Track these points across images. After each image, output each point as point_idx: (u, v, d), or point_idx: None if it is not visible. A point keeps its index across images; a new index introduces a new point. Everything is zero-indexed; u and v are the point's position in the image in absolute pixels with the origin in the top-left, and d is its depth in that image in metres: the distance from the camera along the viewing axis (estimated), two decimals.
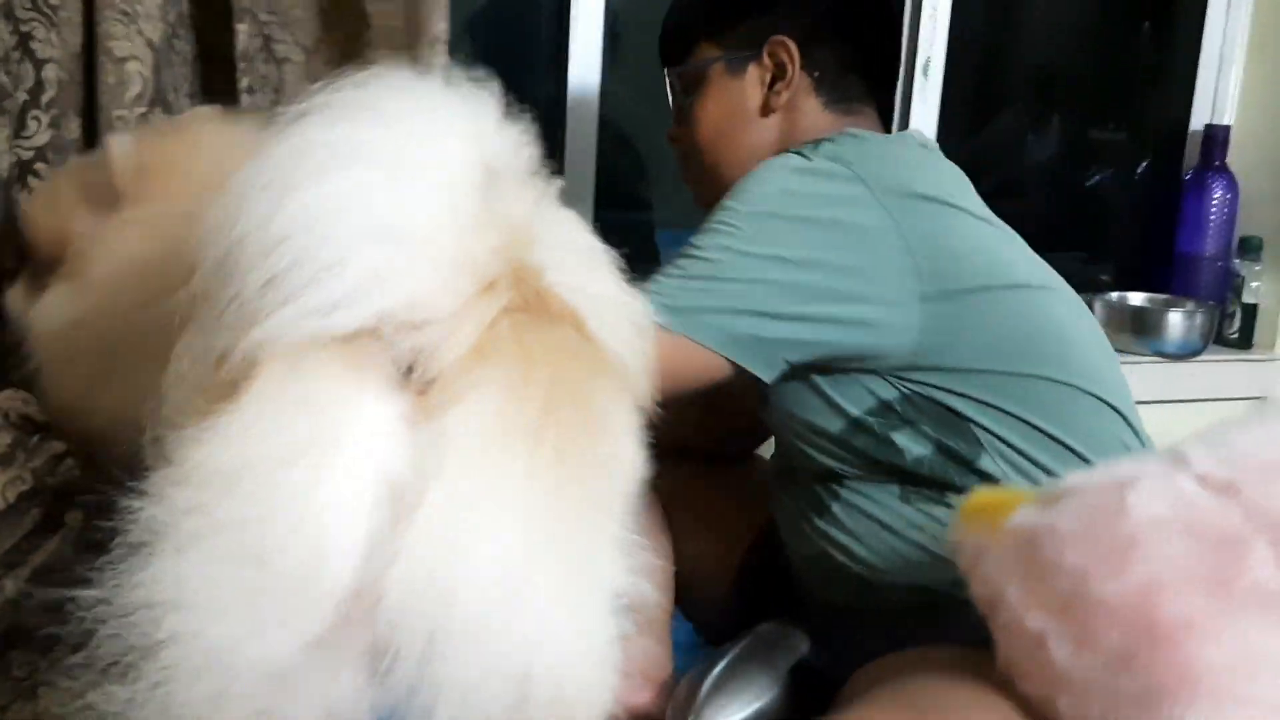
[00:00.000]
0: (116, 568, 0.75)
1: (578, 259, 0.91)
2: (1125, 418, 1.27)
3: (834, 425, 1.22)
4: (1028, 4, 2.42)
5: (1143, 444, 1.29)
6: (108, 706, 0.75)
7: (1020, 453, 1.20)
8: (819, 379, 1.20)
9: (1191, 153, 2.37)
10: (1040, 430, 1.20)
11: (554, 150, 1.91)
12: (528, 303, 0.83)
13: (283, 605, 0.75)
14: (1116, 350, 2.20)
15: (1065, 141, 2.49)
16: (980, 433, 1.19)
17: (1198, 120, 2.38)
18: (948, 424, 1.19)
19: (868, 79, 1.37)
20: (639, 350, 0.92)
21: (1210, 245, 2.32)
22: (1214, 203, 2.31)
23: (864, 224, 1.16)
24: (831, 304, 1.15)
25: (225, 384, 0.78)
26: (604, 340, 0.88)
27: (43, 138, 1.47)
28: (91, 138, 1.49)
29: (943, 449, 1.20)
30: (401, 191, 0.81)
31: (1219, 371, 2.28)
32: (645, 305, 0.96)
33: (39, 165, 1.47)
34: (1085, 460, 1.21)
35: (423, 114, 0.85)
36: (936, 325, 1.17)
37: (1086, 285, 2.35)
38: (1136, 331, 2.23)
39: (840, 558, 1.25)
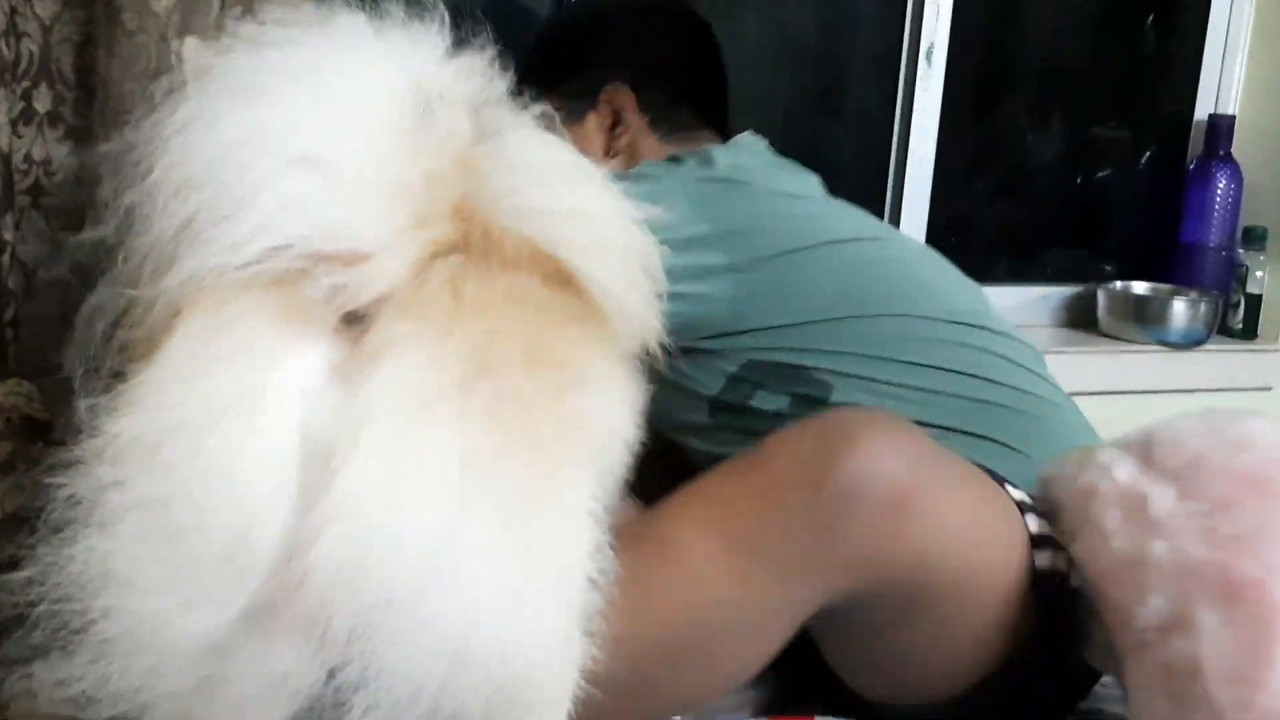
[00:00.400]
0: (49, 544, 0.73)
1: (555, 180, 0.85)
2: (986, 329, 1.39)
3: (701, 414, 1.33)
4: None
5: (1015, 359, 1.40)
6: (50, 677, 0.74)
7: (871, 379, 1.30)
8: (673, 376, 1.21)
9: (1196, 143, 2.36)
10: (888, 359, 1.31)
11: None
12: (470, 241, 0.78)
13: (210, 579, 0.73)
14: (1121, 339, 2.22)
15: (1069, 132, 2.48)
16: (824, 375, 1.29)
17: (1202, 110, 2.37)
18: (790, 376, 1.30)
19: (699, 108, 1.52)
20: (633, 277, 0.87)
21: (1214, 235, 2.31)
22: (1218, 193, 2.30)
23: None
24: None
25: (144, 341, 0.75)
26: (583, 275, 0.82)
27: None
28: None
29: (796, 398, 1.29)
30: (322, 118, 0.76)
31: (1222, 361, 2.28)
32: (644, 227, 0.92)
33: None
34: (946, 371, 1.32)
35: (349, 44, 0.81)
36: (751, 291, 1.29)
37: (1091, 275, 2.36)
38: (1140, 320, 2.23)
39: None
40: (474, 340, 0.75)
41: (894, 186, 2.20)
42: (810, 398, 1.29)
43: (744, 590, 1.04)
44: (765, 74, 2.22)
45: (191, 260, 0.73)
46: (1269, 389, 2.30)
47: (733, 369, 1.31)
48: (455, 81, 0.83)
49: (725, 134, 1.52)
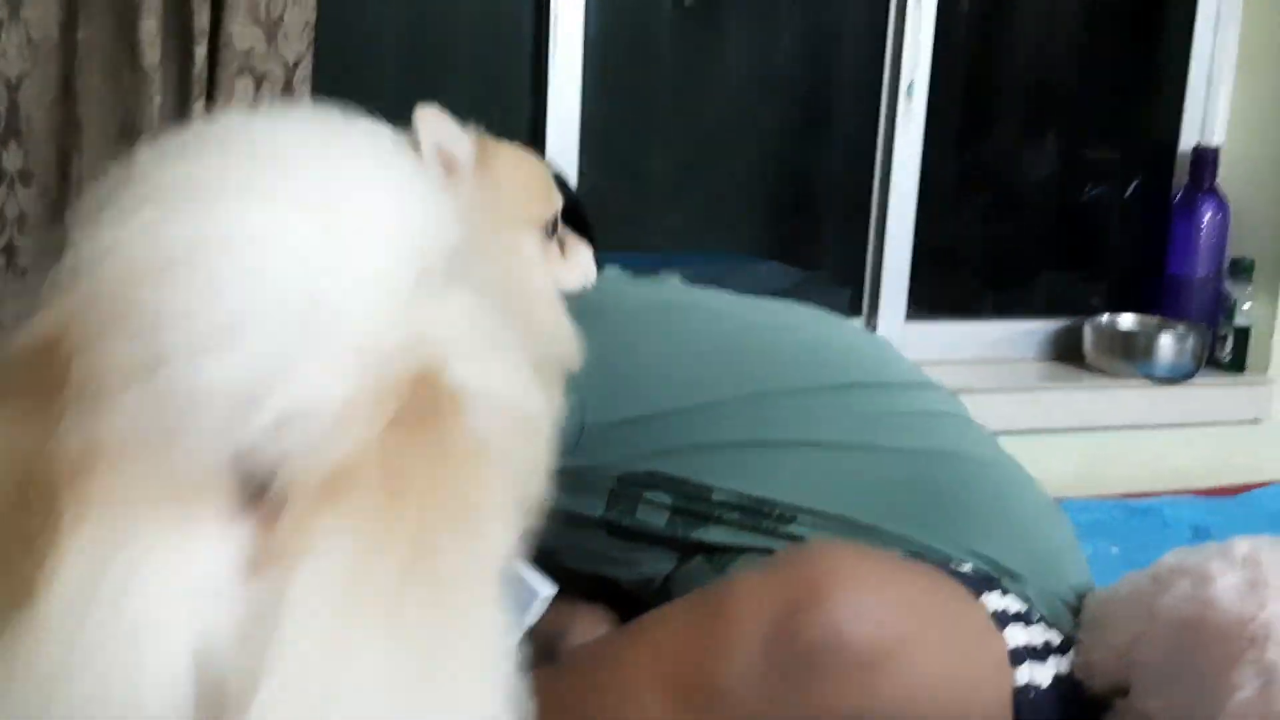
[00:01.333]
0: None
1: (484, 351, 0.77)
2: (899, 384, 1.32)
3: (598, 538, 1.26)
4: (1013, 25, 2.40)
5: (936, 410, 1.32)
6: None
7: (744, 474, 1.22)
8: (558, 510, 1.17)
9: (1181, 173, 2.34)
10: (756, 443, 1.23)
11: None
12: (421, 413, 0.68)
13: None
14: (1107, 374, 2.19)
15: (1052, 162, 2.46)
16: (697, 480, 1.22)
17: (1187, 140, 2.35)
18: (664, 486, 1.23)
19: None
20: (530, 447, 0.82)
21: (1201, 267, 2.29)
22: (1204, 224, 2.28)
23: None
24: None
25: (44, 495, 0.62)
26: (491, 442, 0.74)
27: None
28: None
29: (677, 509, 1.23)
30: (327, 250, 0.66)
31: (1210, 395, 2.25)
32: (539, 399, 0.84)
33: None
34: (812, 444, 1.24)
35: (351, 159, 0.72)
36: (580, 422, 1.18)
37: (1078, 306, 2.34)
38: (1127, 355, 2.20)
39: None
40: (413, 525, 0.66)
41: (878, 219, 2.18)
42: (692, 510, 1.22)
43: None
44: (749, 105, 2.20)
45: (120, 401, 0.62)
46: (1258, 421, 2.27)
47: (606, 489, 1.24)
48: (438, 228, 0.74)
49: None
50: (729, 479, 1.22)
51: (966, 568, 1.17)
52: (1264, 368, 2.28)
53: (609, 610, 1.39)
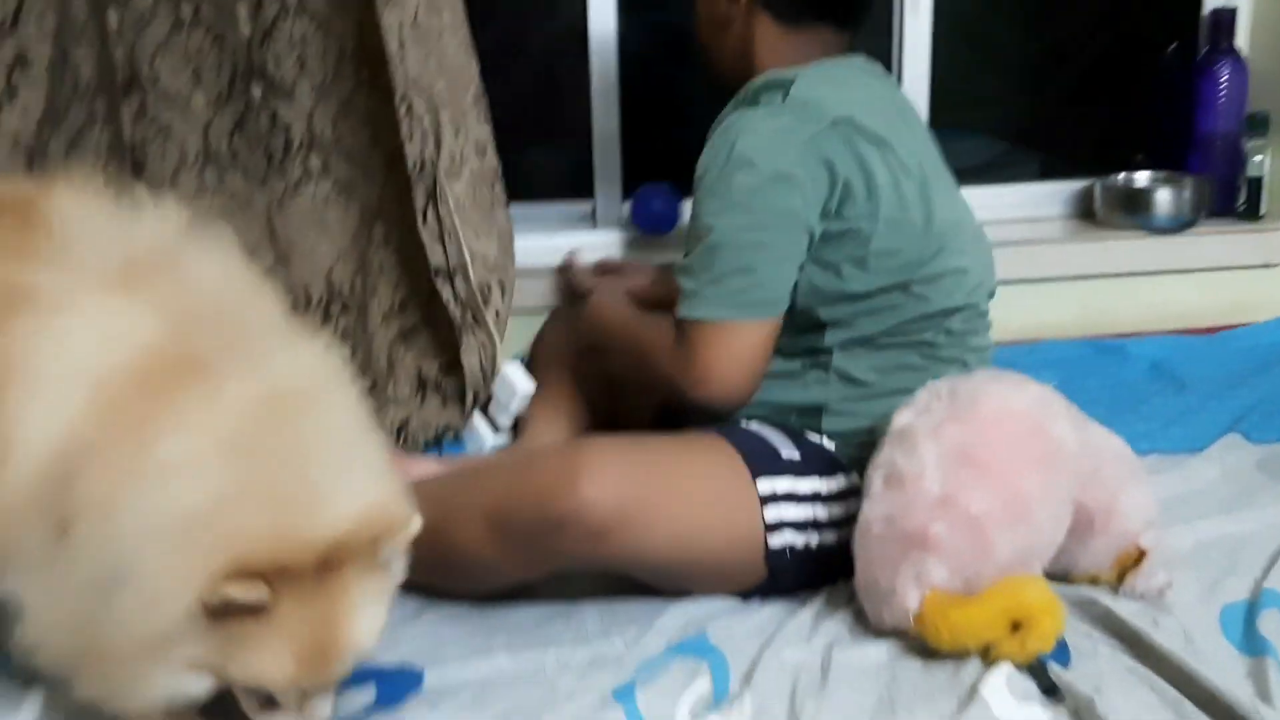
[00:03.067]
0: None
1: None
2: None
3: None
4: None
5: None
6: None
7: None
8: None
9: (1204, 35, 2.50)
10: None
11: (578, 91, 2.35)
12: None
13: None
14: (1111, 227, 2.43)
15: (1085, 22, 2.65)
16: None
17: (1209, 3, 2.50)
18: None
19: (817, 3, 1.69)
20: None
21: (1222, 124, 2.46)
22: (1224, 83, 2.45)
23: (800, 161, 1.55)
24: (804, 233, 1.56)
25: None
26: None
27: None
28: None
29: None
30: None
31: (1226, 242, 2.44)
32: None
33: None
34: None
35: None
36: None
37: (1112, 166, 2.55)
38: (1129, 209, 2.43)
39: None
40: None
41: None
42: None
43: (494, 551, 1.48)
44: None
45: None
46: (1271, 266, 2.45)
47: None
48: None
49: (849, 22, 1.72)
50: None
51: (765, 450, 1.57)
52: (1278, 216, 2.44)
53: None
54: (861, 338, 1.62)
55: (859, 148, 1.55)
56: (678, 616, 1.49)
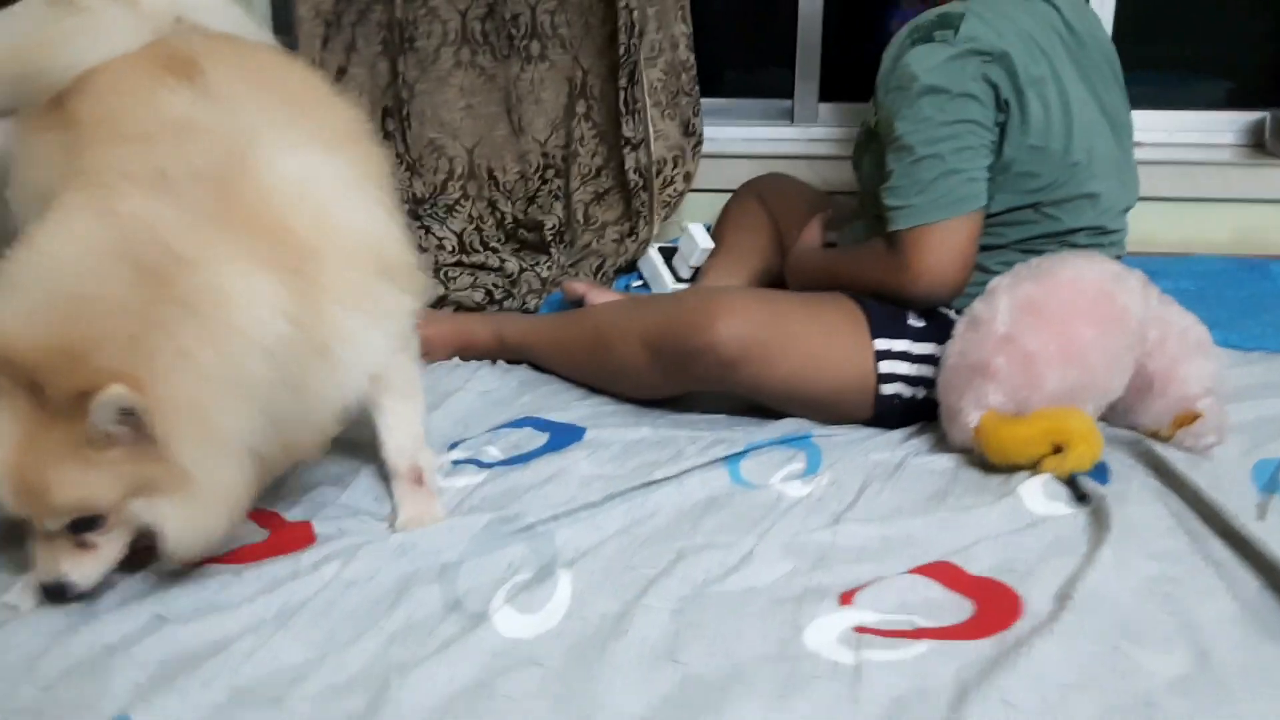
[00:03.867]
0: None
1: None
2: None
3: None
4: None
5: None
6: None
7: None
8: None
9: None
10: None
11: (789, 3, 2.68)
12: None
13: None
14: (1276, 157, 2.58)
15: None
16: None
17: None
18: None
19: None
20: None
21: None
22: None
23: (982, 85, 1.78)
24: (989, 134, 1.80)
25: None
26: None
27: None
28: None
29: None
30: None
31: None
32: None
33: None
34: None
35: None
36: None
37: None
38: None
39: None
40: None
41: None
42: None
43: (647, 367, 1.87)
44: None
45: None
46: None
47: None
48: None
49: None
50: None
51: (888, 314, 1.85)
52: None
53: None
54: (992, 246, 1.86)
55: (1017, 81, 1.78)
56: (791, 424, 1.84)
